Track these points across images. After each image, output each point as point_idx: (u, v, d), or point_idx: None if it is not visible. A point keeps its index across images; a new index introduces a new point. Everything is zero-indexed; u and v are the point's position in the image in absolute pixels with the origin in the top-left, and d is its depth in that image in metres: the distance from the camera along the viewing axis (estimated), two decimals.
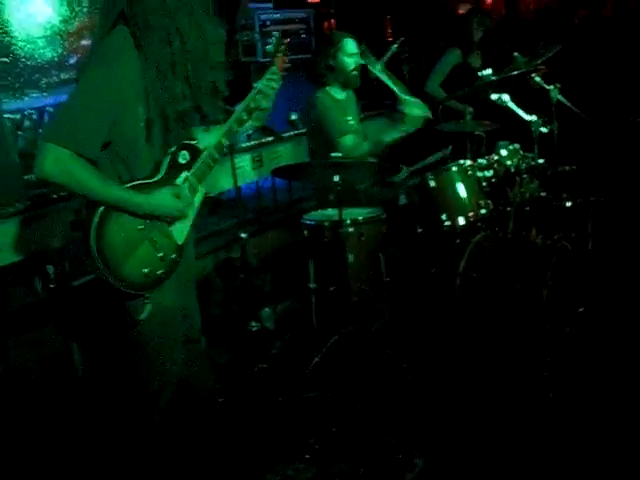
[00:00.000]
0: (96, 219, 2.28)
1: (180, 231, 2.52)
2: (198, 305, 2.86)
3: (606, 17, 7.18)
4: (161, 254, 2.45)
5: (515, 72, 4.45)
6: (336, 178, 3.69)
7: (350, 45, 4.51)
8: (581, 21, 6.89)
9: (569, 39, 6.03)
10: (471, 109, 4.85)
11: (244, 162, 5.18)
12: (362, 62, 4.44)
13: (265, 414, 3.49)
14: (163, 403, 2.63)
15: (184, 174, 2.49)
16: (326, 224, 3.98)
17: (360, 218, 3.97)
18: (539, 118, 4.30)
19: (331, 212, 4.14)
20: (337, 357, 3.78)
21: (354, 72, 4.53)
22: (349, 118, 4.60)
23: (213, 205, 5.36)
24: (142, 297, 2.45)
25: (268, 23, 6.50)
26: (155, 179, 2.42)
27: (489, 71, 4.43)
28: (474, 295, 4.08)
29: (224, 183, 5.02)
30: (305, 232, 4.07)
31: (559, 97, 4.48)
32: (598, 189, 4.74)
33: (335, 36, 4.59)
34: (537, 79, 4.51)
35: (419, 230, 4.23)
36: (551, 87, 4.47)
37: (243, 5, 7.11)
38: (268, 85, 2.71)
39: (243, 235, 4.08)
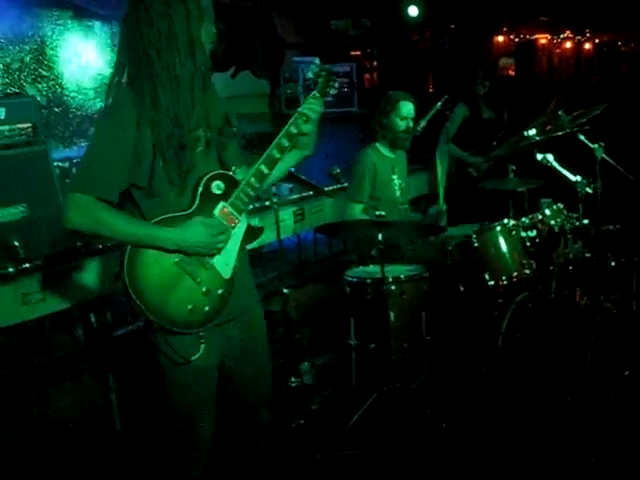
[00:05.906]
0: (125, 258, 2.29)
1: (224, 264, 2.45)
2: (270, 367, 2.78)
3: None
4: (204, 288, 2.39)
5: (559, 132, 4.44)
6: (380, 236, 3.70)
7: (405, 108, 4.57)
8: (624, 77, 6.90)
9: (613, 97, 6.03)
10: (513, 167, 4.85)
11: (286, 215, 5.21)
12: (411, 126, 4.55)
13: (302, 471, 3.45)
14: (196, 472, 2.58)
15: (221, 204, 2.44)
16: (368, 281, 3.97)
17: (402, 276, 3.95)
18: (584, 179, 4.27)
19: (372, 269, 4.12)
20: (376, 415, 3.74)
21: (402, 134, 4.58)
22: (394, 177, 4.61)
23: (255, 258, 5.39)
24: (197, 335, 2.39)
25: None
26: (188, 211, 2.39)
27: (533, 131, 4.44)
28: (517, 356, 4.03)
29: (266, 236, 5.05)
30: (347, 289, 4.07)
31: (603, 156, 4.46)
32: None
33: (394, 96, 4.64)
34: (581, 137, 4.50)
35: (462, 289, 4.22)
36: (595, 146, 4.45)
37: (288, 58, 7.26)
38: (310, 108, 2.58)
39: (285, 291, 4.09)
